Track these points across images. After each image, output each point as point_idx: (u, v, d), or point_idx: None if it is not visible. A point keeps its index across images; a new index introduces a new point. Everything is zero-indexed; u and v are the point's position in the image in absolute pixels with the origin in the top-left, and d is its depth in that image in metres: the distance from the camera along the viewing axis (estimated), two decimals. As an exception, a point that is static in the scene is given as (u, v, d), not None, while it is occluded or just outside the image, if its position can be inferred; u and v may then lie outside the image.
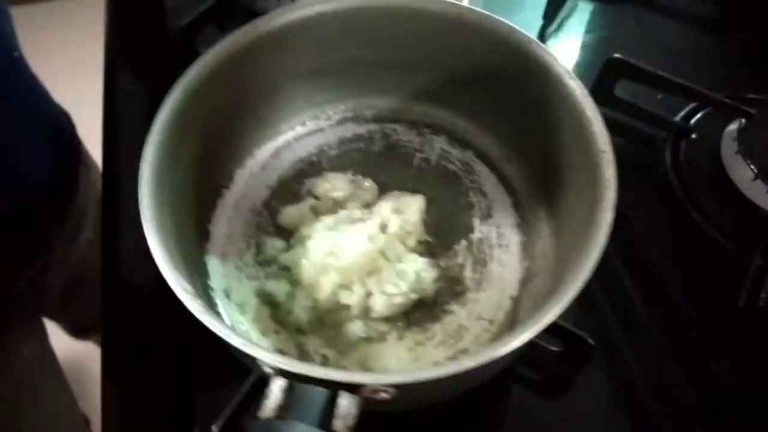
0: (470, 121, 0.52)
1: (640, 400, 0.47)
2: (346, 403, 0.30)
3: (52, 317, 0.83)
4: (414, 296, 0.44)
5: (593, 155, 0.39)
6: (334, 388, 0.31)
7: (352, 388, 0.31)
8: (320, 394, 0.30)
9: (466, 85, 0.50)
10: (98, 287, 0.50)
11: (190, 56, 0.62)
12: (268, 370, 0.32)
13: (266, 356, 0.31)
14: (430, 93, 0.53)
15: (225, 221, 0.49)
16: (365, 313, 0.44)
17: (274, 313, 0.45)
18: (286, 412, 0.30)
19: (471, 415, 0.45)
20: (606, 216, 0.36)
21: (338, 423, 0.29)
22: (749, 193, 0.53)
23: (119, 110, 0.61)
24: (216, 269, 0.46)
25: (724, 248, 0.52)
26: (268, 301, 0.45)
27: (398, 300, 0.44)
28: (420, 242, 0.48)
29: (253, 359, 0.32)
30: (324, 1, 0.47)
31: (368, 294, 0.44)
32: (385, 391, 0.32)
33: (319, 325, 0.44)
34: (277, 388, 0.30)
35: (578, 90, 0.42)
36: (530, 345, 0.43)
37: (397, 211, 0.47)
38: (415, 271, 0.44)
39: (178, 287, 0.34)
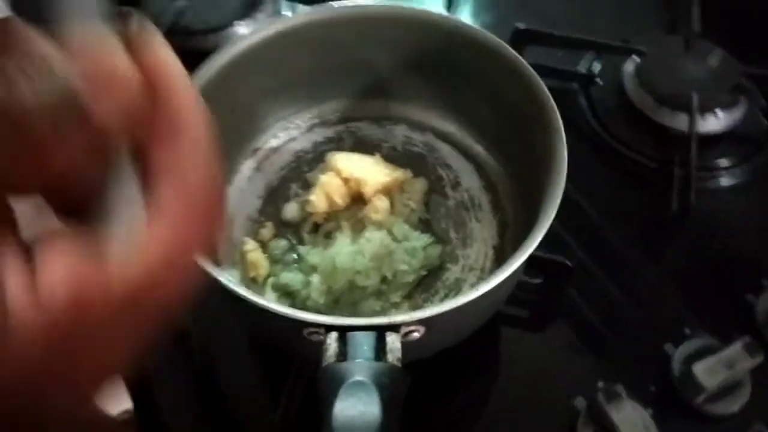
0: (423, 107, 0.59)
1: (615, 306, 0.55)
2: (392, 340, 0.36)
3: None
4: (424, 272, 0.50)
5: (541, 112, 0.47)
6: (379, 330, 0.36)
7: (393, 327, 0.37)
8: (369, 336, 0.36)
9: (415, 74, 0.57)
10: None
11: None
12: (319, 330, 0.37)
13: (320, 317, 0.37)
14: (383, 88, 0.59)
15: (227, 232, 0.54)
16: (379, 291, 0.49)
17: (294, 302, 0.50)
18: (344, 357, 0.35)
19: (471, 363, 0.52)
20: (562, 161, 0.44)
21: (390, 356, 0.35)
22: (657, 118, 0.64)
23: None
24: (231, 276, 0.51)
25: (648, 168, 0.63)
26: (285, 292, 0.50)
27: (410, 278, 0.49)
28: (421, 220, 0.54)
29: (304, 323, 0.37)
30: (280, 22, 0.54)
31: (383, 278, 0.49)
32: (416, 330, 0.38)
33: (336, 306, 0.49)
34: (332, 340, 0.36)
35: (513, 57, 0.49)
36: (516, 283, 0.50)
37: (401, 191, 0.54)
38: (422, 248, 0.50)
39: (223, 279, 0.39)
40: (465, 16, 0.77)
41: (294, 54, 0.55)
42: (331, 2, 0.55)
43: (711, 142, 0.63)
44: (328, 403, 0.32)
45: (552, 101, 0.46)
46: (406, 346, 0.37)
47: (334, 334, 0.36)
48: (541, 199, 0.45)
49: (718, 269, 0.57)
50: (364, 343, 0.35)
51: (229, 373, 0.53)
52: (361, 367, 0.33)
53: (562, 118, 0.68)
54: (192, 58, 0.63)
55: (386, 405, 0.32)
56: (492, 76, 0.52)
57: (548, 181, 0.44)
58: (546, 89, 0.47)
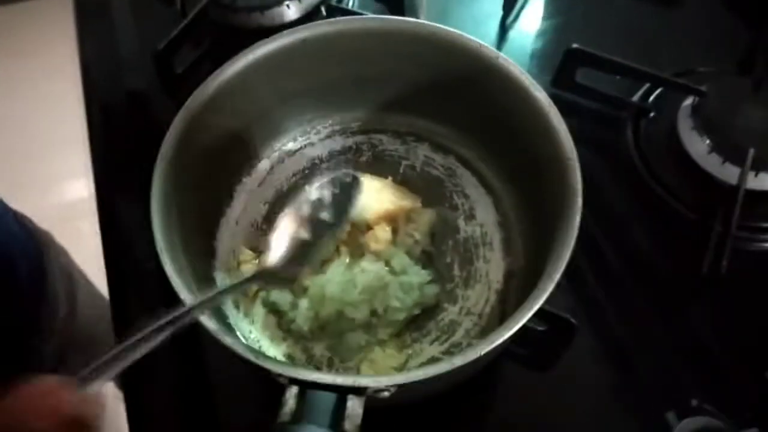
0: (450, 129, 0.56)
1: (625, 363, 0.52)
2: (352, 405, 0.34)
3: None
4: (417, 311, 0.48)
5: (561, 162, 0.43)
6: (342, 392, 0.35)
7: (358, 390, 0.35)
8: (329, 398, 0.34)
9: (444, 95, 0.54)
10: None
11: (169, 77, 0.65)
12: (282, 379, 0.36)
13: (279, 368, 0.35)
14: (411, 104, 0.56)
15: (228, 237, 0.53)
16: (368, 324, 0.47)
17: (280, 322, 0.49)
18: (300, 417, 0.34)
19: (468, 388, 0.50)
20: (574, 220, 0.40)
21: (348, 423, 0.34)
22: (706, 166, 0.57)
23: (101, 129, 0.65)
24: (224, 283, 0.50)
25: (685, 218, 0.57)
26: (273, 310, 0.49)
27: (401, 316, 0.47)
28: (424, 252, 0.51)
29: (268, 371, 0.36)
30: (305, 29, 0.51)
31: (372, 312, 0.47)
32: (386, 390, 0.37)
33: (322, 333, 0.48)
34: (290, 395, 0.35)
35: (544, 101, 0.46)
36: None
37: (408, 220, 0.51)
38: (419, 285, 0.48)
39: (196, 310, 0.38)
40: (522, 25, 0.73)
41: (320, 60, 0.53)
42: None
43: (762, 200, 0.57)
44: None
45: (574, 155, 0.43)
46: (375, 401, 0.36)
47: (294, 389, 0.35)
48: (548, 257, 0.42)
49: (742, 341, 0.53)
50: (322, 405, 0.34)
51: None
52: (310, 435, 0.32)
53: (605, 146, 0.64)
54: (235, 35, 0.61)
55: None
56: (517, 113, 0.48)
57: (559, 239, 0.41)
58: (571, 142, 0.43)
